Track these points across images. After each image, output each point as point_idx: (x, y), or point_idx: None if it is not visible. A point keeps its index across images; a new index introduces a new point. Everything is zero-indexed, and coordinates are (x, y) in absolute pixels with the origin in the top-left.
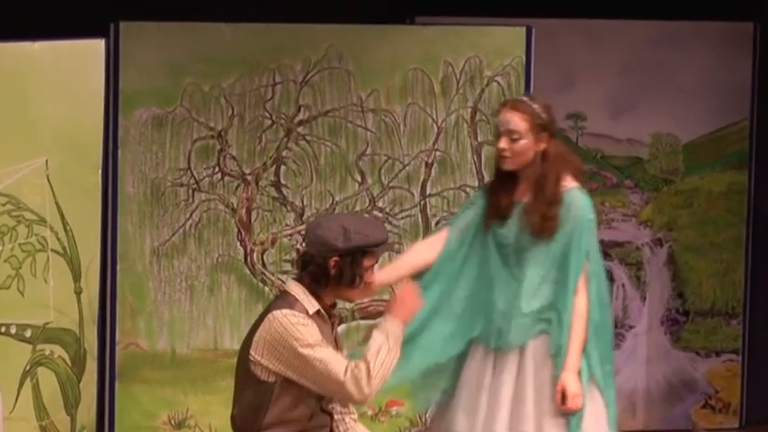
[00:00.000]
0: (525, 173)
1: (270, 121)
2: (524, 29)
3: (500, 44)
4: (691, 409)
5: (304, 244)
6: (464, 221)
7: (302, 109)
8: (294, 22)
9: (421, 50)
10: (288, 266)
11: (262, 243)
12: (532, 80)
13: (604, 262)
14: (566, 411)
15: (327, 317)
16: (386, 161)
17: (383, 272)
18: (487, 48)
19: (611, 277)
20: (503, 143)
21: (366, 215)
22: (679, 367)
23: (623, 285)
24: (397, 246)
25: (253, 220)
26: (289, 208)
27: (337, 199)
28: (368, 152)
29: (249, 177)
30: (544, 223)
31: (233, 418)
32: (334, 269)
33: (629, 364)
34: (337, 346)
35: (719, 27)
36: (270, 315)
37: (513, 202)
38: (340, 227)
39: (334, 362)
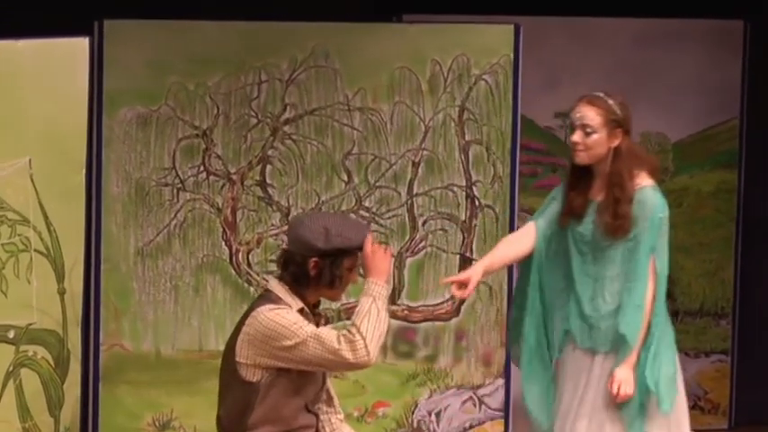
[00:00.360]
0: (599, 169)
1: (255, 120)
2: (512, 27)
3: (488, 42)
4: None
5: (286, 241)
6: (547, 217)
7: (288, 108)
8: (280, 20)
9: (408, 49)
10: (274, 267)
11: (247, 243)
12: (520, 78)
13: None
14: (617, 400)
15: (311, 315)
16: (372, 160)
17: (480, 264)
18: (475, 46)
19: None
20: (576, 136)
21: (352, 215)
22: None
23: None
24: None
25: (238, 220)
26: (274, 208)
27: (323, 198)
28: (354, 151)
29: (234, 177)
30: (616, 221)
31: (219, 418)
32: (313, 270)
33: None
34: None
35: (709, 25)
36: (253, 313)
37: (587, 200)
38: (322, 227)
39: (325, 334)
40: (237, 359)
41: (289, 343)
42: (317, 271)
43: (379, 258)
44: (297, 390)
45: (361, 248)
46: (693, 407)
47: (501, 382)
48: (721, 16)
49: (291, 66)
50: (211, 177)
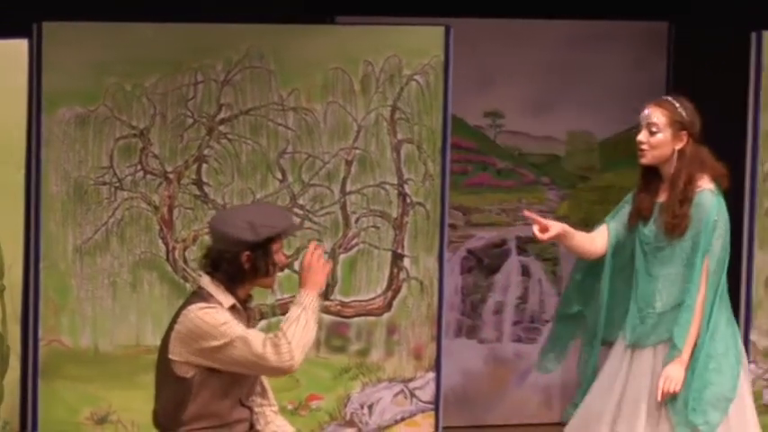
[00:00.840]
0: (665, 172)
1: (191, 120)
2: (443, 28)
3: (419, 43)
4: None
5: (211, 240)
6: (619, 220)
7: (223, 108)
8: (216, 21)
9: (341, 50)
10: None
11: (183, 240)
12: (451, 78)
13: (527, 258)
14: (660, 397)
15: (243, 311)
16: (306, 159)
17: (563, 225)
18: (407, 47)
19: (527, 272)
20: (642, 135)
21: (266, 202)
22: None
23: (540, 281)
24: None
25: (174, 218)
26: (210, 206)
27: (258, 197)
28: (288, 150)
29: (171, 175)
30: (673, 221)
31: (155, 413)
32: (247, 263)
33: None
34: None
35: (635, 27)
36: (184, 311)
37: (653, 202)
38: (245, 222)
39: (252, 337)
40: (170, 356)
41: (216, 343)
42: (251, 264)
43: (316, 272)
44: (230, 385)
45: (287, 231)
46: None
47: (432, 375)
48: (647, 18)
49: (227, 67)
50: (148, 176)
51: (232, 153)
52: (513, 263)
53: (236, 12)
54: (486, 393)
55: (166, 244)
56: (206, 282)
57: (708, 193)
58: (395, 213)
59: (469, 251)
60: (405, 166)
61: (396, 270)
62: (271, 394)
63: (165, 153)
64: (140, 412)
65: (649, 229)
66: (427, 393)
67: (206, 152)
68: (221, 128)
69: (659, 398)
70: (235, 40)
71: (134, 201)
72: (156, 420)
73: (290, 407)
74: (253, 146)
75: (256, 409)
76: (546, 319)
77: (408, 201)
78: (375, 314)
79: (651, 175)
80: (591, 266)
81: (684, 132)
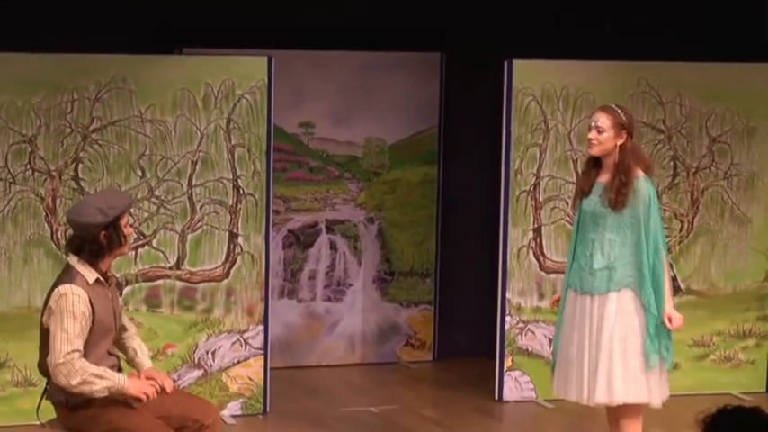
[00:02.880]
0: (606, 161)
1: (70, 130)
2: (266, 58)
3: (248, 70)
4: (396, 347)
5: (70, 231)
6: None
7: (95, 120)
8: (89, 52)
9: (187, 74)
10: None
11: (65, 224)
12: (273, 97)
13: (334, 236)
14: (674, 329)
15: (106, 282)
16: (161, 160)
17: None
18: (238, 72)
19: (334, 247)
20: (591, 134)
21: (107, 189)
22: (387, 315)
23: (344, 253)
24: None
25: (57, 207)
26: (85, 197)
27: (123, 189)
28: (147, 153)
29: (54, 173)
30: (616, 198)
31: (39, 365)
32: (105, 240)
33: (350, 313)
34: (114, 304)
35: (415, 56)
36: (56, 289)
37: (594, 182)
38: (95, 209)
39: (66, 340)
40: (43, 320)
41: (53, 318)
42: (108, 240)
43: (145, 387)
44: (98, 339)
45: (128, 207)
46: (406, 344)
47: (261, 327)
48: (424, 50)
49: (97, 87)
50: (36, 174)
51: (102, 155)
52: (323, 240)
53: (104, 44)
54: (303, 341)
55: (51, 227)
56: (74, 261)
57: (642, 180)
58: (230, 202)
59: (289, 231)
60: (238, 165)
61: (232, 246)
62: (129, 326)
63: (49, 155)
64: (31, 359)
65: (589, 203)
66: (258, 342)
67: (81, 155)
68: (93, 135)
69: (674, 329)
70: (103, 66)
71: (25, 193)
72: (42, 371)
73: (150, 354)
74: (118, 150)
75: (121, 349)
76: (350, 283)
77: (241, 192)
78: (216, 280)
79: (593, 162)
80: None
81: (624, 132)
